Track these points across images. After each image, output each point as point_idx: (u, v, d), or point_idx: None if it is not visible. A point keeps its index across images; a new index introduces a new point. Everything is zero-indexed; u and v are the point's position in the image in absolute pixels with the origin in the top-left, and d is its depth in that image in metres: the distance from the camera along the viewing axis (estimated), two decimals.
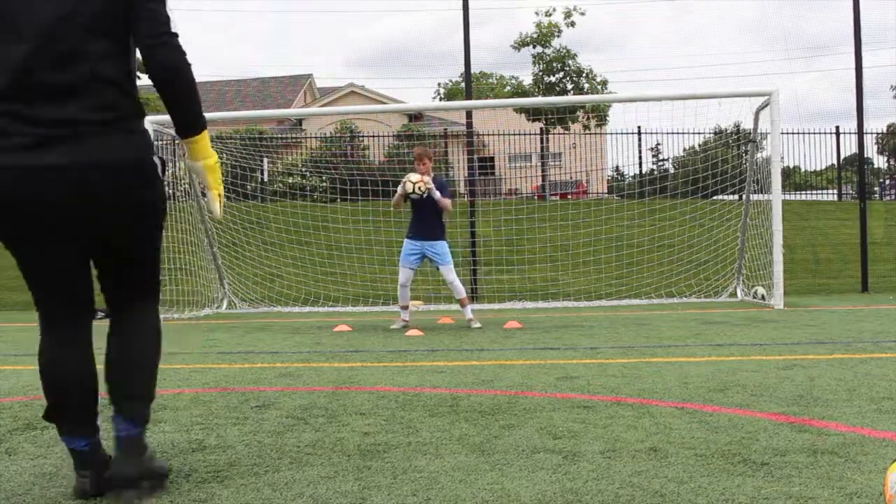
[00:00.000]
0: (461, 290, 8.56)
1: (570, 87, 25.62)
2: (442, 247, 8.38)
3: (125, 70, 2.44)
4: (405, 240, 8.51)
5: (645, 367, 5.21)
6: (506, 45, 47.39)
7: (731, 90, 14.65)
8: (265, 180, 19.52)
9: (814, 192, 23.39)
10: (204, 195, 2.80)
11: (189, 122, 2.51)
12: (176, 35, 2.43)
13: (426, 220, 8.34)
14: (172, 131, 12.09)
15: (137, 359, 2.59)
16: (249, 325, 9.67)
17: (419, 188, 8.12)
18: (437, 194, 8.19)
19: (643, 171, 20.66)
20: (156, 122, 10.83)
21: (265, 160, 19.60)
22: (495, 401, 4.02)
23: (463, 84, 15.91)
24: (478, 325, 8.49)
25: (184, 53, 2.43)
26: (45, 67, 2.32)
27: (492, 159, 22.23)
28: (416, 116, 29.81)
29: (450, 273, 8.44)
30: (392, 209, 10.22)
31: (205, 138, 2.54)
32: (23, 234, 2.42)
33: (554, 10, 25.16)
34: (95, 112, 2.35)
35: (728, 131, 17.56)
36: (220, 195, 2.63)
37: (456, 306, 9.76)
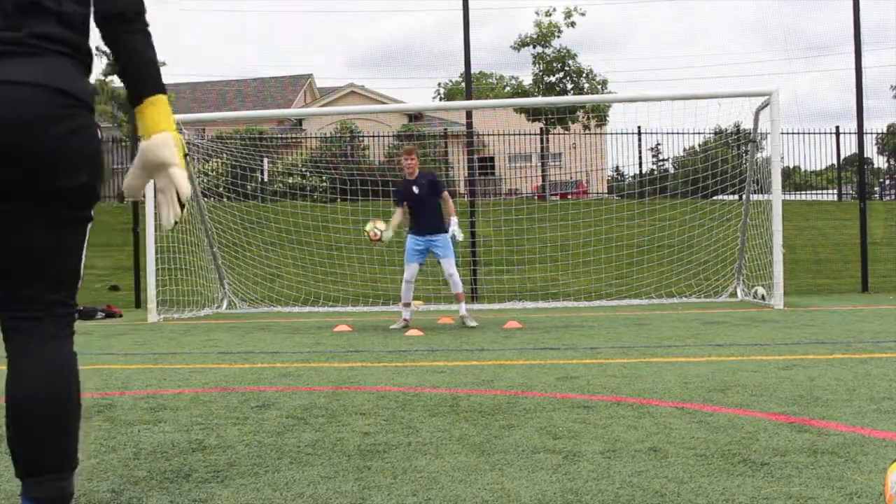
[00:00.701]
0: (459, 285, 8.64)
1: (570, 87, 25.63)
2: (444, 240, 8.49)
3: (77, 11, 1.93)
4: (409, 236, 8.64)
5: (645, 367, 5.21)
6: (506, 45, 47.49)
7: (731, 90, 14.65)
8: (265, 180, 19.52)
9: (814, 192, 23.40)
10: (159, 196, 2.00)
11: (151, 75, 1.94)
12: None
13: (426, 215, 8.49)
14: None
15: (39, 411, 1.88)
16: (249, 325, 9.67)
17: (374, 234, 8.61)
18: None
19: (643, 171, 20.67)
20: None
21: (265, 160, 19.61)
22: (495, 401, 4.02)
23: (463, 84, 15.91)
24: (473, 323, 8.52)
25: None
26: None
27: (492, 159, 22.23)
28: (416, 116, 29.82)
29: (450, 266, 8.53)
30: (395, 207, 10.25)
31: (166, 101, 1.97)
32: None
33: (554, 10, 25.23)
34: (33, 38, 1.85)
35: (728, 131, 17.58)
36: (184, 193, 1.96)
37: (457, 306, 9.76)
